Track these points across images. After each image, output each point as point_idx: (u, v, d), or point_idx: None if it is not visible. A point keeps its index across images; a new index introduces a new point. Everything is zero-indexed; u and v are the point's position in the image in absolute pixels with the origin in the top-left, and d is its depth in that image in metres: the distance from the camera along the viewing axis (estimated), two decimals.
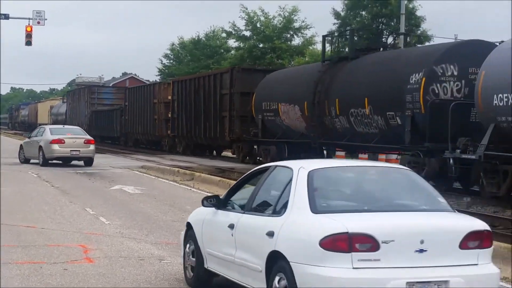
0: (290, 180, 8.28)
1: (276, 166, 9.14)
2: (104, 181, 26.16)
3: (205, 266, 9.67)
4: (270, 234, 7.94)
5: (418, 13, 53.26)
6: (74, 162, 33.86)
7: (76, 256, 11.84)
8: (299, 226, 7.72)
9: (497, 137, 19.43)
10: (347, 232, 7.23)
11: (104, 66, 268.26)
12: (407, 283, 7.28)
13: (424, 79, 22.28)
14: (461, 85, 22.52)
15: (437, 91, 22.37)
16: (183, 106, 43.85)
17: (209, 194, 19.81)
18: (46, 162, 32.15)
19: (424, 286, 7.37)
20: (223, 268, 9.19)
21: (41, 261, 11.36)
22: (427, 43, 53.84)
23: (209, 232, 9.58)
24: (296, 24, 61.16)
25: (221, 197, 9.60)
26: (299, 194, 8.00)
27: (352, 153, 33.41)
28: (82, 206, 18.39)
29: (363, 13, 54.59)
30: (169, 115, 46.57)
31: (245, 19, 61.35)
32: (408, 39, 49.54)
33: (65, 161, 32.93)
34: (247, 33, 62.12)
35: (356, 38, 54.20)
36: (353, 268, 7.22)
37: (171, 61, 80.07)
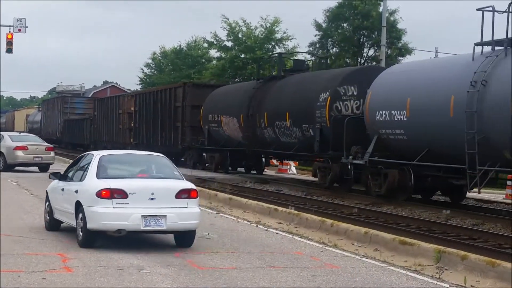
0: (91, 161, 14.34)
1: (88, 153, 15.55)
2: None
3: (54, 216, 15.54)
4: (76, 191, 14.07)
5: (400, 26, 53.52)
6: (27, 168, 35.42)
7: (54, 265, 11.75)
8: (88, 186, 13.71)
9: (380, 146, 23.88)
10: (109, 188, 13.31)
11: (85, 75, 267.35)
12: (142, 216, 13.34)
13: (329, 98, 26.78)
14: (360, 103, 26.60)
15: (339, 108, 26.84)
16: (144, 117, 47.69)
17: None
18: (7, 168, 33.81)
19: (152, 218, 13.43)
20: (60, 215, 15.14)
21: (19, 269, 11.26)
22: (408, 56, 54.14)
23: (54, 194, 15.63)
24: (278, 35, 61.24)
25: (61, 173, 15.74)
26: (92, 169, 14.06)
27: (281, 159, 38.70)
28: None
29: (345, 25, 54.77)
30: (132, 125, 50.37)
31: (227, 30, 61.40)
32: (389, 51, 49.87)
33: (25, 166, 34.90)
34: (229, 44, 62.15)
35: (337, 50, 54.53)
36: (113, 207, 13.30)
37: (153, 70, 79.94)
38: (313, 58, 56.22)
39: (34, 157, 33.98)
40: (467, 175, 19.78)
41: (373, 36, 52.77)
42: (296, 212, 18.81)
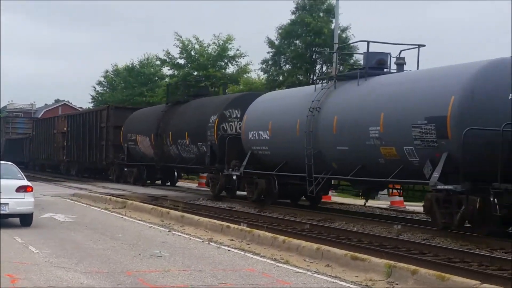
0: None
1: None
2: (34, 209, 25.75)
3: None
4: None
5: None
6: None
7: (4, 285, 11.62)
8: None
9: (253, 160, 29.07)
10: None
11: (36, 93, 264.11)
12: None
13: (217, 119, 32.27)
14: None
15: (225, 128, 32.37)
16: (75, 136, 53.15)
17: (142, 223, 19.73)
18: None
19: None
20: None
21: None
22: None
23: None
24: (231, 52, 61.37)
25: None
26: None
27: (188, 173, 45.84)
28: (11, 235, 18.15)
29: (297, 42, 55.03)
30: (65, 143, 55.56)
31: (179, 47, 61.38)
32: (341, 68, 50.19)
33: None
34: (182, 61, 62.14)
35: (290, 67, 54.76)
36: None
37: (105, 88, 79.49)
38: (265, 75, 56.48)
39: None
40: (307, 181, 25.03)
41: (325, 53, 53.16)
42: (248, 229, 18.89)
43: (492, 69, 18.93)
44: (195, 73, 60.07)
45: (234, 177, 29.22)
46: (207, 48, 61.08)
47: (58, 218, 22.80)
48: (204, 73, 58.98)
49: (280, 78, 54.30)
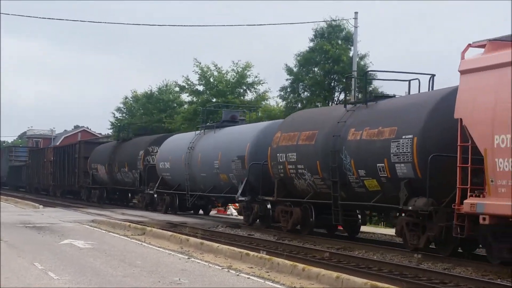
0: None
1: None
2: (54, 235, 25.85)
3: None
4: None
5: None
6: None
7: None
8: None
9: (162, 181, 40.60)
10: None
11: (56, 119, 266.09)
12: None
13: (142, 153, 44.57)
14: None
15: (149, 160, 43.90)
16: (58, 164, 64.30)
17: (161, 250, 19.72)
18: None
19: None
20: None
21: None
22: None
23: None
24: (249, 79, 61.48)
25: None
26: None
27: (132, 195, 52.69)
28: (31, 261, 18.14)
29: (316, 69, 55.08)
30: (51, 170, 66.42)
31: (198, 74, 61.57)
32: (359, 96, 50.15)
33: None
34: (200, 88, 62.31)
35: (308, 94, 54.79)
36: None
37: (124, 114, 79.72)
38: (284, 102, 56.48)
39: None
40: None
41: (344, 80, 53.14)
42: (267, 256, 18.79)
43: (268, 129, 31.05)
44: (214, 100, 60.15)
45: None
46: (226, 75, 61.24)
47: (78, 244, 22.79)
48: (222, 100, 59.07)
49: (299, 105, 54.22)
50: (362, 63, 52.65)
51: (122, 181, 48.23)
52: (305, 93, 55.96)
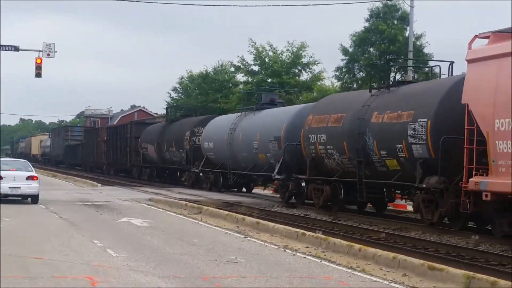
0: None
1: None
2: (112, 213, 26.35)
3: None
4: None
5: (426, 51, 53.37)
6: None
7: (84, 287, 11.77)
8: None
9: (206, 160, 42.93)
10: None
11: (113, 99, 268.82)
12: (9, 187, 28.99)
13: (188, 134, 46.63)
14: None
15: (195, 140, 45.86)
16: (111, 143, 67.54)
17: (218, 229, 19.79)
18: None
19: (14, 189, 29.10)
20: None
21: None
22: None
23: None
24: (304, 60, 61.26)
25: None
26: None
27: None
28: (90, 238, 18.52)
29: (371, 49, 54.66)
30: (105, 149, 69.74)
31: (253, 54, 61.62)
32: (415, 76, 49.70)
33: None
34: (256, 68, 62.29)
35: (364, 74, 54.47)
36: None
37: (180, 94, 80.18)
38: (339, 83, 56.18)
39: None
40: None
41: (400, 60, 52.61)
42: (323, 236, 18.87)
43: (302, 111, 32.60)
44: (269, 80, 60.06)
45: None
46: (281, 55, 61.14)
47: (135, 222, 23.13)
48: (278, 80, 59.11)
49: (354, 85, 53.88)
50: (418, 43, 52.23)
51: (170, 160, 50.89)
52: (361, 73, 55.57)
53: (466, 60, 20.55)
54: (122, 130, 64.18)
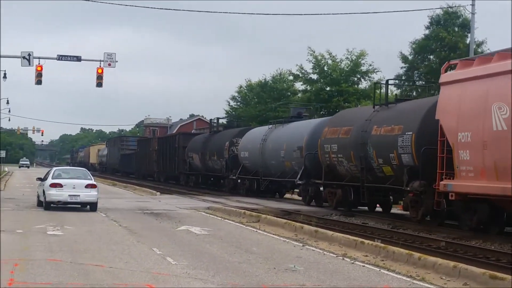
0: (50, 171, 33.91)
1: (50, 169, 37.93)
2: (171, 221, 26.83)
3: (40, 199, 32.93)
4: (42, 185, 32.33)
5: None
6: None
7: None
8: (47, 182, 31.53)
9: (243, 169, 48.64)
10: (54, 182, 30.91)
11: (172, 108, 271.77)
12: (69, 195, 30.85)
13: (228, 144, 52.13)
14: None
15: (233, 150, 50.94)
16: (160, 153, 74.71)
17: (276, 237, 19.83)
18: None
19: (74, 196, 30.51)
20: (40, 197, 33.26)
21: None
22: None
23: (37, 188, 34.91)
24: (364, 68, 61.24)
25: (41, 177, 33.76)
26: (50, 175, 32.20)
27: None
28: (149, 246, 18.87)
29: (431, 57, 54.35)
30: (156, 158, 76.89)
31: (312, 62, 61.97)
32: None
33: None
34: (314, 76, 62.48)
35: (424, 82, 54.11)
36: (56, 191, 30.80)
37: (238, 103, 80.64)
38: (399, 91, 55.87)
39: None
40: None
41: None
42: (382, 245, 18.99)
43: (321, 124, 37.56)
44: (327, 88, 60.07)
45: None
46: (340, 63, 61.27)
47: (194, 230, 23.50)
48: (336, 88, 59.24)
49: (414, 93, 53.54)
50: (479, 50, 51.86)
51: (212, 168, 57.83)
52: (420, 81, 55.20)
53: (439, 83, 25.91)
54: (171, 141, 71.79)
